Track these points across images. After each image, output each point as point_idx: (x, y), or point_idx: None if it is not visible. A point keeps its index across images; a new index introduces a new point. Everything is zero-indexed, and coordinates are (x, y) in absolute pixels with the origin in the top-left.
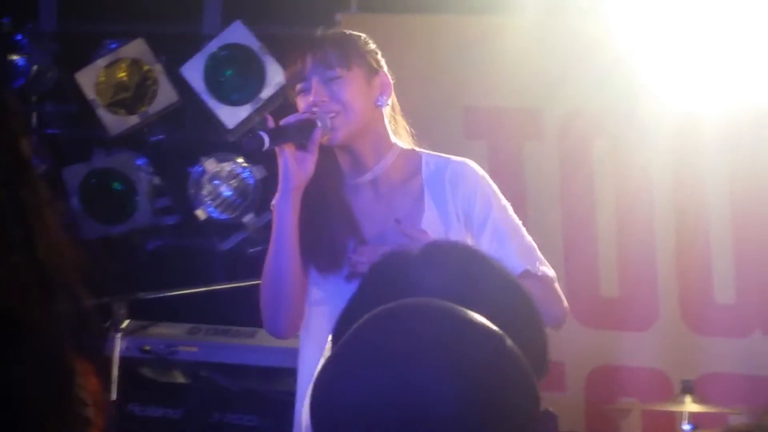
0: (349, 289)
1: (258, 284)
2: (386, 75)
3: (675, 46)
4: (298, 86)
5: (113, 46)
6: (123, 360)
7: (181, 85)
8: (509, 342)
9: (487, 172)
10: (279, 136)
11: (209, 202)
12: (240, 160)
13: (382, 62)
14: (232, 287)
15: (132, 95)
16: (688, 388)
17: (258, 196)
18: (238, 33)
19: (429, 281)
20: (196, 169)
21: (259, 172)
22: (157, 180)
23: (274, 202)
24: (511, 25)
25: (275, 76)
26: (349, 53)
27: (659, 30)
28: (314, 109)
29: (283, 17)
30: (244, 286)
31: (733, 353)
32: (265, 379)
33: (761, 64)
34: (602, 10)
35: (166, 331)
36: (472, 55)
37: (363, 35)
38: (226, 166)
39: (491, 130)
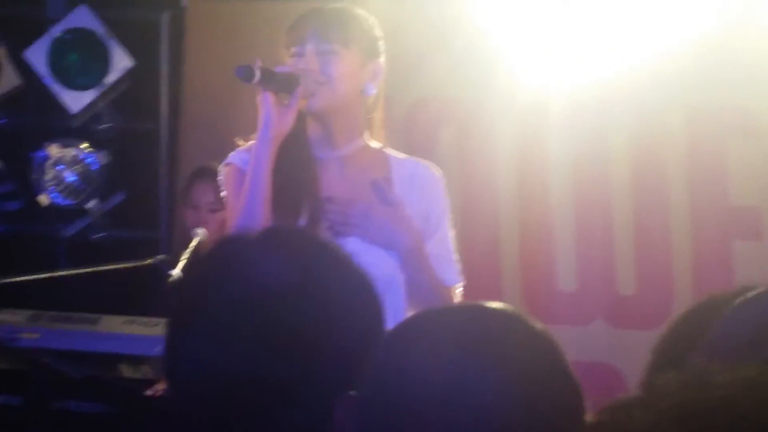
0: None
1: (100, 271)
2: (380, 64)
3: (520, 32)
4: (293, 48)
5: None
6: None
7: (25, 68)
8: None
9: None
10: (268, 77)
11: (53, 187)
12: (84, 146)
13: (382, 50)
14: (75, 273)
15: None
16: None
17: (102, 182)
18: (82, 17)
19: (265, 266)
20: (40, 154)
21: (103, 158)
22: None
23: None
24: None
25: (120, 60)
26: (351, 31)
27: (505, 16)
28: (302, 71)
29: (128, 2)
30: (88, 273)
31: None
32: (107, 366)
33: (599, 45)
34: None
35: (7, 317)
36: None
37: (372, 18)
38: (70, 152)
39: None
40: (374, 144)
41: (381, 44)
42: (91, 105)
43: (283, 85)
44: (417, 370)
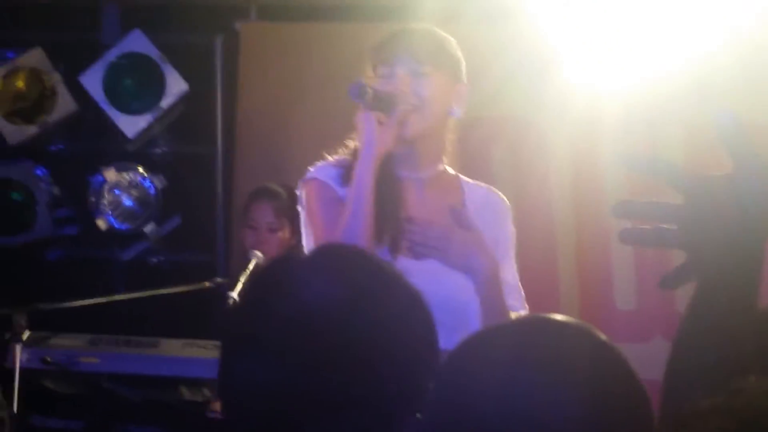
0: None
1: (158, 294)
2: (465, 87)
3: (567, 55)
4: (381, 69)
5: (11, 55)
6: (24, 371)
7: (81, 94)
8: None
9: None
10: (377, 98)
11: (110, 211)
12: (140, 169)
13: (465, 72)
14: (133, 297)
15: (31, 105)
16: None
17: (159, 206)
18: (137, 41)
19: (316, 285)
20: (97, 178)
21: (159, 182)
22: (56, 190)
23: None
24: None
25: (175, 84)
26: (441, 53)
27: (553, 39)
28: (399, 93)
29: (182, 26)
30: (146, 296)
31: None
32: (167, 389)
33: (645, 57)
34: (498, 18)
35: (67, 342)
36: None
37: (454, 41)
38: (127, 176)
39: None
40: (449, 169)
41: (464, 66)
42: (146, 129)
43: (385, 105)
44: (479, 388)
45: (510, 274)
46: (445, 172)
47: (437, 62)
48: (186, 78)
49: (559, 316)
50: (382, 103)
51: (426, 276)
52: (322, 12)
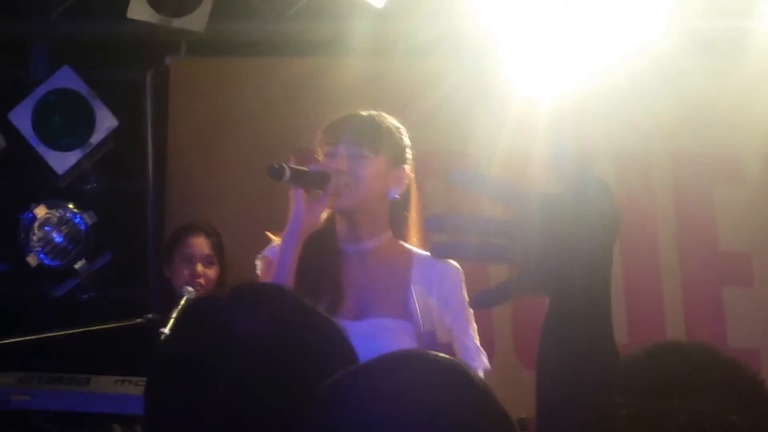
0: None
1: (89, 331)
2: (405, 171)
3: (497, 87)
4: (327, 147)
5: None
6: None
7: (9, 131)
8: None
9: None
10: (298, 175)
11: (40, 248)
12: (71, 206)
13: (408, 157)
14: (65, 334)
15: None
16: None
17: (90, 242)
18: (66, 77)
19: (239, 319)
20: (26, 215)
21: (90, 218)
22: None
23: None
24: (340, 66)
25: (105, 120)
26: (381, 139)
27: (486, 69)
28: (332, 171)
29: (112, 62)
30: (78, 333)
31: None
32: (99, 426)
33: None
34: (430, 50)
35: None
36: (302, 96)
37: (402, 128)
38: (57, 212)
39: None
40: (405, 243)
41: (408, 152)
42: (76, 165)
43: (313, 182)
44: (342, 427)
45: (467, 337)
46: (393, 242)
47: (377, 147)
48: (116, 113)
49: (428, 352)
50: (314, 181)
51: (362, 335)
52: (252, 47)
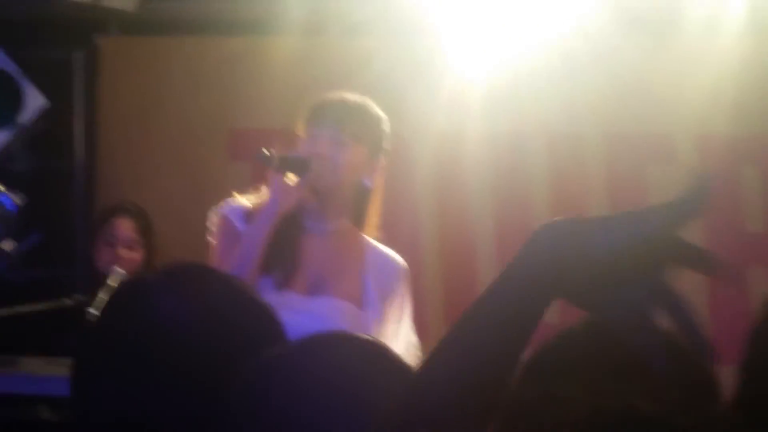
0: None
1: (17, 312)
2: (382, 161)
3: (429, 65)
4: (311, 129)
5: None
6: None
7: None
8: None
9: (250, 193)
10: (283, 162)
11: None
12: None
13: (386, 147)
14: None
15: None
16: None
17: (18, 222)
18: None
19: (166, 305)
20: None
21: (19, 199)
22: None
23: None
24: (272, 45)
25: (34, 100)
26: (364, 127)
27: (419, 49)
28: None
29: (41, 41)
30: (5, 314)
31: None
32: (26, 408)
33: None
34: (363, 29)
35: None
36: (234, 76)
37: (385, 118)
38: None
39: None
40: (363, 234)
41: (386, 142)
42: (5, 145)
43: (295, 168)
44: (266, 412)
45: (403, 332)
46: (351, 231)
47: (358, 135)
48: (45, 93)
49: (352, 334)
50: (296, 167)
51: (311, 312)
52: (183, 26)
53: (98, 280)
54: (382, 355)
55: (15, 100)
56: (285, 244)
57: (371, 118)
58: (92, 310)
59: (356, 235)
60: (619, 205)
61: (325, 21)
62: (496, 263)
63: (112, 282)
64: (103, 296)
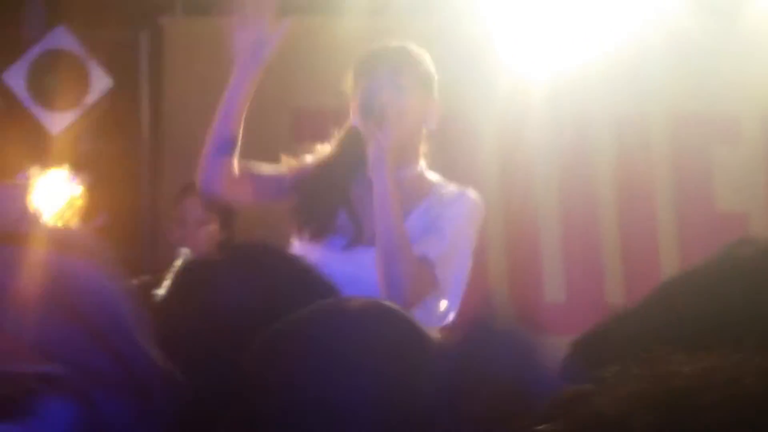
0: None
1: None
2: (437, 101)
3: (495, 47)
4: (362, 82)
5: None
6: None
7: (4, 91)
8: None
9: None
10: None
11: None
12: (66, 167)
13: (436, 91)
14: None
15: None
16: None
17: (83, 203)
18: (61, 38)
19: (229, 289)
20: (22, 176)
21: (84, 180)
22: None
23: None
24: (336, 25)
25: (99, 80)
26: (419, 68)
27: (479, 31)
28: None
29: (106, 21)
30: None
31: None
32: None
33: (580, 51)
34: (427, 10)
35: None
36: (298, 56)
37: (429, 58)
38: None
39: (321, 132)
40: (430, 174)
41: (436, 83)
42: (71, 126)
43: (377, 116)
44: (279, 380)
45: (434, 252)
46: (421, 175)
47: (414, 77)
48: (111, 74)
49: (359, 299)
50: (376, 115)
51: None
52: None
53: (166, 260)
54: (389, 316)
55: (81, 81)
56: (347, 206)
57: (423, 59)
58: (159, 291)
59: (426, 179)
60: (683, 185)
61: (388, 1)
62: (560, 247)
63: (179, 263)
64: (169, 277)
